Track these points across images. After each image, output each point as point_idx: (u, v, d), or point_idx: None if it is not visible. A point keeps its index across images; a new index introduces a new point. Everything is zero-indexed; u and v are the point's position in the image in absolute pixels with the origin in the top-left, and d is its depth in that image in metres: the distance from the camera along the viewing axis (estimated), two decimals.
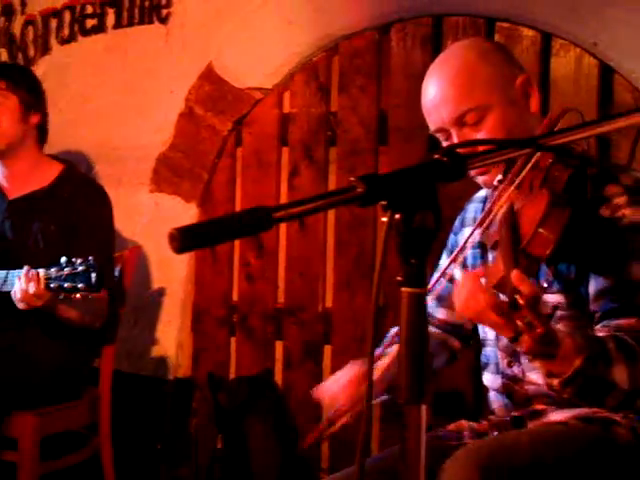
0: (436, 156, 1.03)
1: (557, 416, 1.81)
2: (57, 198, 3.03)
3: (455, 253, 1.86)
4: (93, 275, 2.48)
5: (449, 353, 2.13)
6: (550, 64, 3.03)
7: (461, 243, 1.88)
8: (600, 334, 1.69)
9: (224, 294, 3.58)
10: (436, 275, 2.02)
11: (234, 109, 3.55)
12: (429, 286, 2.00)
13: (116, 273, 3.08)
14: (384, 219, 1.03)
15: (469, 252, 1.97)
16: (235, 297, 3.58)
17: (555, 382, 1.61)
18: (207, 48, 3.55)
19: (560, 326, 1.75)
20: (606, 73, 2.97)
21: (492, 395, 1.98)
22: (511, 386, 1.91)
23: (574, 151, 1.80)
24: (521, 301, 1.46)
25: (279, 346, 3.51)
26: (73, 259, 2.51)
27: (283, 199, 3.51)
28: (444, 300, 2.08)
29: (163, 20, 3.62)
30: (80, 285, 2.49)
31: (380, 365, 1.94)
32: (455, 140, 1.86)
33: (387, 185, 1.00)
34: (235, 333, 3.57)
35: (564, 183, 1.68)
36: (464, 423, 2.01)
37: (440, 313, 2.11)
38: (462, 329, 2.10)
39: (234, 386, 3.36)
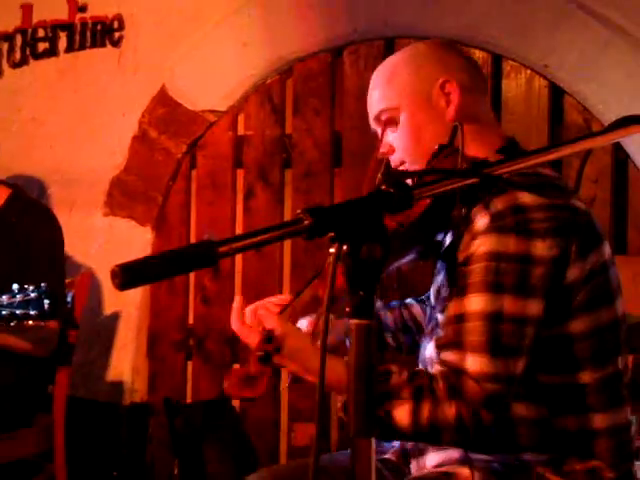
0: (383, 187, 1.03)
1: (433, 458, 1.76)
2: (5, 223, 2.98)
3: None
4: (46, 302, 2.44)
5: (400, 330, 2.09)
6: (501, 85, 3.07)
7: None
8: (434, 366, 1.64)
9: (180, 318, 3.55)
10: None
11: (188, 132, 3.53)
12: None
13: (68, 298, 3.04)
14: (332, 250, 1.02)
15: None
16: (191, 321, 3.56)
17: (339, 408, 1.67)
18: (160, 70, 3.54)
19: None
20: (556, 94, 3.01)
21: None
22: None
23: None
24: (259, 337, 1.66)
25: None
26: (25, 285, 2.47)
27: (239, 221, 3.50)
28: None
29: (115, 43, 3.60)
30: (32, 312, 2.44)
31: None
32: (378, 142, 1.85)
33: (334, 217, 0.99)
34: (192, 357, 3.54)
35: (417, 214, 1.63)
36: None
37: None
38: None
39: (190, 411, 3.32)
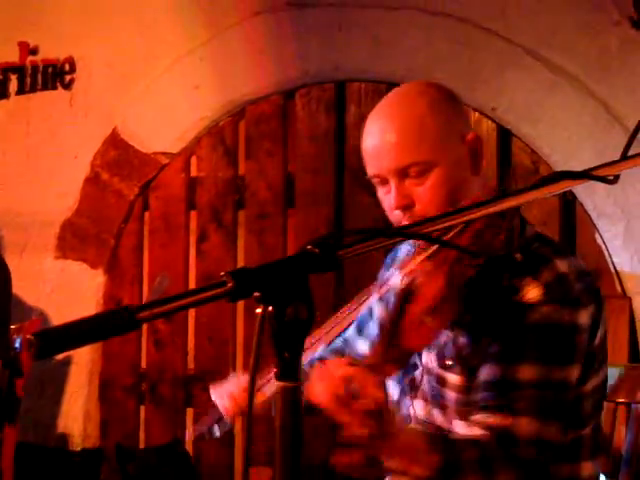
0: (308, 247, 1.02)
1: None
2: None
3: (377, 290, 1.83)
4: None
5: None
6: None
7: (382, 282, 1.84)
8: (473, 427, 1.64)
9: (132, 362, 3.51)
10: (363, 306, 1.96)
11: (140, 174, 3.52)
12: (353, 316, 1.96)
13: (17, 344, 3.00)
14: (258, 310, 1.02)
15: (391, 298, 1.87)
16: (144, 364, 3.52)
17: None
18: (112, 113, 3.53)
19: (452, 407, 1.72)
20: (504, 137, 3.04)
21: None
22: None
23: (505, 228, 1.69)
24: (363, 406, 1.42)
25: (190, 413, 3.46)
26: None
27: (192, 264, 3.48)
28: (363, 330, 1.99)
29: (67, 86, 3.59)
30: None
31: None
32: (393, 190, 1.73)
33: (258, 279, 0.99)
34: (144, 401, 3.50)
35: (470, 273, 1.62)
36: None
37: (359, 344, 2.00)
38: None
39: (143, 456, 3.29)
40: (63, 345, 0.86)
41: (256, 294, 1.00)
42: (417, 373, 1.79)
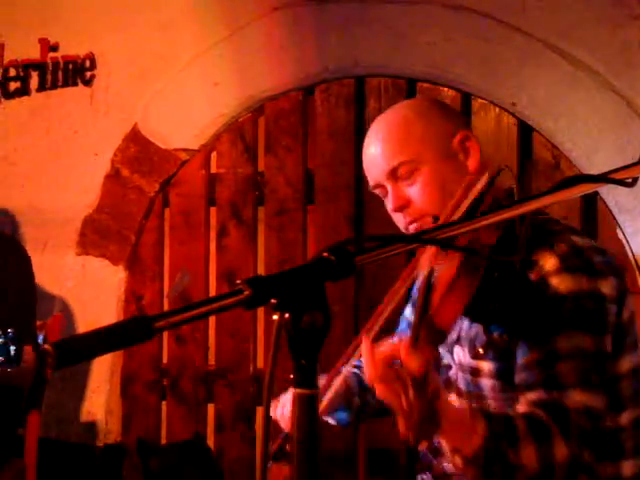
0: (324, 254, 1.02)
1: None
2: None
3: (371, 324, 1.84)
4: (12, 348, 2.42)
5: None
6: (471, 123, 3.08)
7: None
8: (521, 407, 1.64)
9: (154, 358, 3.53)
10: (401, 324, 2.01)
11: (161, 170, 3.53)
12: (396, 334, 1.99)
13: (40, 340, 3.02)
14: (275, 317, 1.02)
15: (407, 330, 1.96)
16: (165, 360, 3.54)
17: (458, 461, 1.56)
18: (132, 109, 3.54)
19: (488, 394, 1.73)
20: (525, 131, 3.03)
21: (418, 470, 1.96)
22: (430, 458, 1.89)
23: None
24: (407, 378, 1.43)
25: (211, 409, 3.47)
26: None
27: (212, 259, 3.49)
28: None
29: (87, 82, 3.60)
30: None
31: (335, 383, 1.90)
32: (390, 196, 1.83)
33: (274, 286, 0.99)
34: (166, 397, 3.52)
35: (488, 247, 1.64)
36: None
37: None
38: None
39: (165, 451, 3.30)
40: (81, 355, 0.86)
41: (273, 301, 1.01)
42: (451, 372, 1.82)
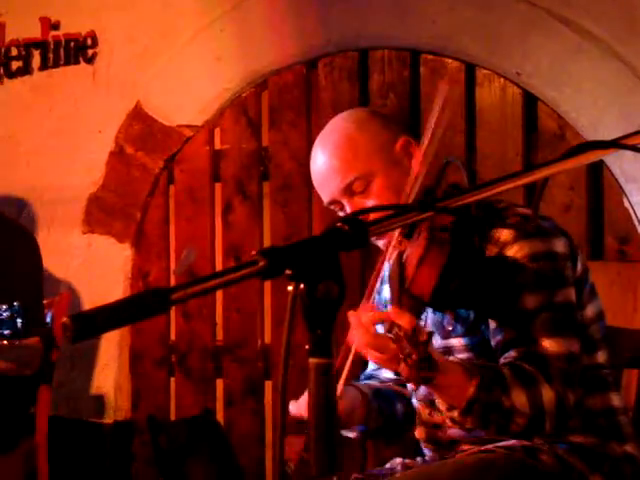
0: (337, 224, 1.03)
1: (485, 447, 1.82)
2: None
3: (361, 304, 1.88)
4: (19, 321, 2.42)
5: (405, 403, 2.09)
6: (475, 94, 3.07)
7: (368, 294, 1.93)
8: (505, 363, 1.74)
9: (161, 334, 3.54)
10: None
11: (165, 147, 3.53)
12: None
13: (48, 319, 3.03)
14: (290, 288, 1.02)
15: (384, 308, 2.02)
16: (173, 336, 3.55)
17: (455, 414, 1.65)
18: (135, 87, 3.53)
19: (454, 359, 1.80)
20: (530, 102, 3.01)
21: (422, 445, 1.99)
22: (434, 433, 1.93)
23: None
24: (400, 333, 1.51)
25: (219, 384, 3.48)
26: None
27: (218, 235, 3.49)
28: None
29: (89, 60, 3.59)
30: (6, 332, 2.42)
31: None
32: (348, 210, 1.91)
33: (289, 256, 0.99)
34: (174, 373, 3.53)
35: (448, 226, 1.75)
36: (398, 461, 2.02)
37: (385, 372, 2.11)
38: None
39: (174, 428, 3.31)
40: (97, 329, 0.87)
41: (287, 272, 1.01)
42: None
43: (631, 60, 2.87)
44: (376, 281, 1.89)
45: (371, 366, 2.13)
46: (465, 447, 1.86)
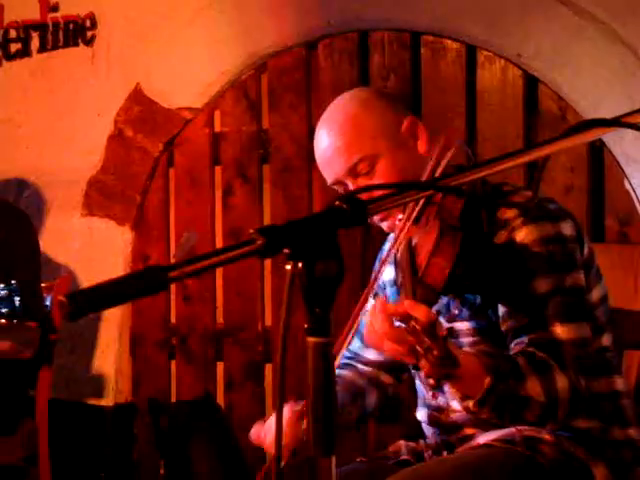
0: (336, 203, 1.02)
1: (485, 439, 1.82)
2: None
3: (365, 290, 1.86)
4: (17, 299, 2.41)
5: (380, 391, 2.08)
6: (476, 75, 3.06)
7: (373, 281, 1.91)
8: (513, 352, 1.73)
9: (162, 317, 3.54)
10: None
11: (164, 130, 3.51)
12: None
13: (47, 302, 3.03)
14: (288, 267, 1.02)
15: (388, 291, 2.03)
16: (173, 319, 3.55)
17: (470, 404, 1.63)
18: (134, 69, 3.51)
19: (469, 349, 1.80)
20: (531, 83, 3.00)
21: (424, 427, 1.99)
22: (437, 416, 1.92)
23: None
24: (417, 327, 1.49)
25: (220, 367, 3.48)
26: None
27: (218, 219, 3.48)
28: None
29: (88, 42, 3.57)
30: (4, 310, 2.42)
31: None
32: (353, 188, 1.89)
33: (287, 235, 0.98)
34: (175, 356, 3.53)
35: (458, 212, 1.74)
36: (402, 443, 2.02)
37: (368, 353, 2.09)
38: (394, 365, 2.06)
39: (175, 410, 3.32)
40: (95, 306, 0.86)
41: (286, 250, 1.01)
42: None
43: (632, 41, 2.86)
44: (381, 268, 1.88)
45: (355, 345, 2.09)
46: (468, 431, 1.86)
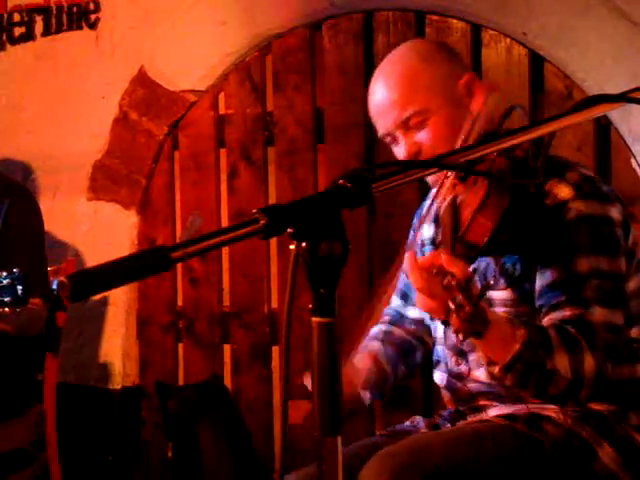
0: (340, 182, 1.01)
1: (496, 412, 1.83)
2: None
3: (403, 248, 1.87)
4: (19, 288, 2.41)
5: (424, 348, 2.12)
6: (481, 55, 3.04)
7: (414, 239, 1.91)
8: (546, 325, 1.71)
9: (168, 300, 3.54)
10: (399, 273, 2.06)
11: (169, 112, 3.50)
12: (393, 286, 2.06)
13: (54, 285, 3.02)
14: (292, 247, 1.01)
15: (426, 248, 2.01)
16: (180, 303, 3.55)
17: (496, 369, 1.62)
18: (138, 52, 3.50)
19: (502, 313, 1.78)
20: (537, 62, 2.98)
21: (442, 391, 2.00)
22: (454, 383, 1.92)
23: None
24: (452, 282, 1.47)
25: (227, 350, 3.48)
26: None
27: (223, 201, 3.48)
28: (409, 298, 2.11)
29: (92, 25, 3.56)
30: (7, 299, 2.42)
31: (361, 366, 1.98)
32: (402, 144, 1.88)
33: (291, 215, 0.98)
34: (182, 339, 3.53)
35: (506, 174, 1.71)
36: (419, 418, 2.02)
37: (410, 311, 2.12)
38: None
39: (182, 393, 3.33)
40: (97, 287, 0.86)
41: (289, 230, 1.00)
42: None
43: (639, 19, 2.83)
44: (420, 225, 1.90)
45: (396, 303, 2.12)
46: (482, 402, 1.86)
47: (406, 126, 1.87)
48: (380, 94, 1.91)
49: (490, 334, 1.56)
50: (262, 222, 0.96)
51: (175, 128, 3.51)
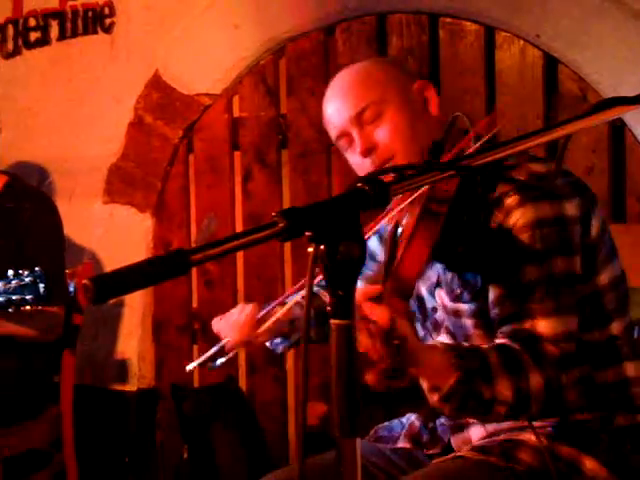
0: (358, 185, 1.02)
1: (478, 431, 1.80)
2: (2, 210, 2.98)
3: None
4: (41, 286, 2.43)
5: None
6: (495, 57, 3.04)
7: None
8: (498, 341, 1.66)
9: (184, 302, 3.56)
10: None
11: (184, 116, 3.52)
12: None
13: (71, 288, 3.05)
14: (310, 249, 1.02)
15: (367, 263, 1.98)
16: (195, 304, 3.56)
17: (435, 398, 1.56)
18: (153, 56, 3.52)
19: (473, 330, 1.76)
20: (551, 64, 2.98)
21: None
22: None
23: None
24: (373, 330, 1.40)
25: (242, 352, 3.49)
26: (20, 271, 2.46)
27: (238, 204, 3.49)
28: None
29: (107, 30, 3.58)
30: (29, 297, 2.43)
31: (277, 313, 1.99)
32: (358, 143, 1.82)
33: (309, 217, 0.99)
34: (197, 341, 3.55)
35: (445, 194, 1.65)
36: (412, 416, 1.99)
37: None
38: None
39: (198, 395, 3.34)
40: (119, 289, 0.87)
41: (308, 233, 1.01)
42: (437, 315, 1.85)
43: None
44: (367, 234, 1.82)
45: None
46: (463, 420, 1.81)
47: (360, 121, 1.80)
48: (334, 97, 1.87)
49: (422, 371, 1.52)
50: (281, 225, 0.97)
51: (190, 131, 3.53)
